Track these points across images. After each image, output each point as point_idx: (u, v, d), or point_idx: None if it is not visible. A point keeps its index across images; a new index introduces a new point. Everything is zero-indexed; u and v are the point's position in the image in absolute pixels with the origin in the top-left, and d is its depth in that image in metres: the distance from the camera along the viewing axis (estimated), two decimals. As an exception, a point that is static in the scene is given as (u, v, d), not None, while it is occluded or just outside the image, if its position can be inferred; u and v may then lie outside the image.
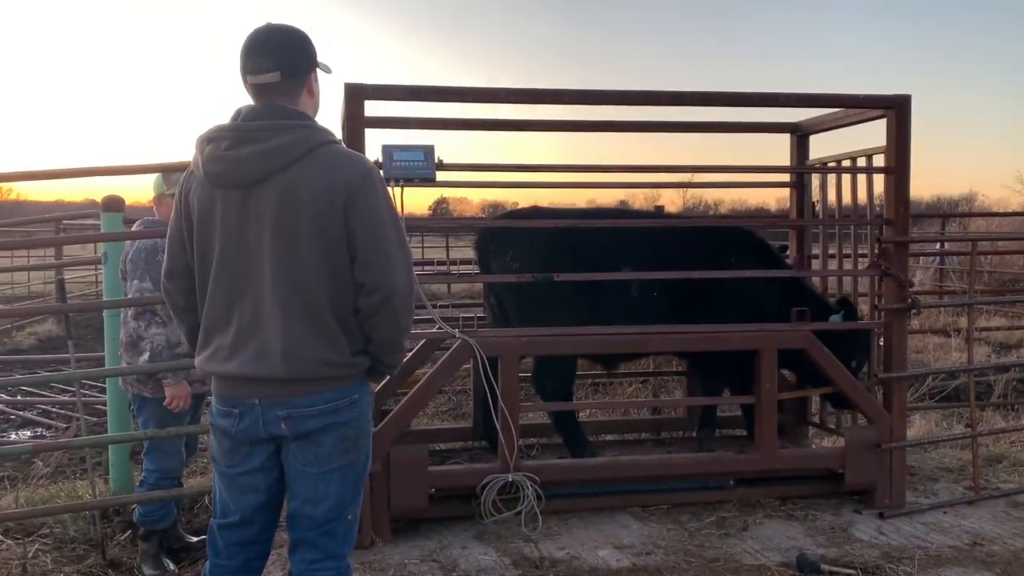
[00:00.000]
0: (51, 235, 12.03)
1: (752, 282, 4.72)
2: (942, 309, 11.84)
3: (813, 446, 5.37)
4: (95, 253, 11.81)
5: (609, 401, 6.91)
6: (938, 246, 11.98)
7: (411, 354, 4.93)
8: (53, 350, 10.91)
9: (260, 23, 2.40)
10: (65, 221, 12.31)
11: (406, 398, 4.29)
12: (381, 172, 3.95)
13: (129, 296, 3.79)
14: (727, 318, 4.63)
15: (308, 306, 2.32)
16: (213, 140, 2.33)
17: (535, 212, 5.12)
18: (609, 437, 5.72)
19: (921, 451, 5.63)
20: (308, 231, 2.29)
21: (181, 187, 2.45)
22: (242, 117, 2.35)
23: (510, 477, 4.16)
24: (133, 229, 3.96)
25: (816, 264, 5.40)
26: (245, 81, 2.38)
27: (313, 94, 2.48)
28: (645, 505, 4.50)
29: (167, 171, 3.92)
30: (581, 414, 6.18)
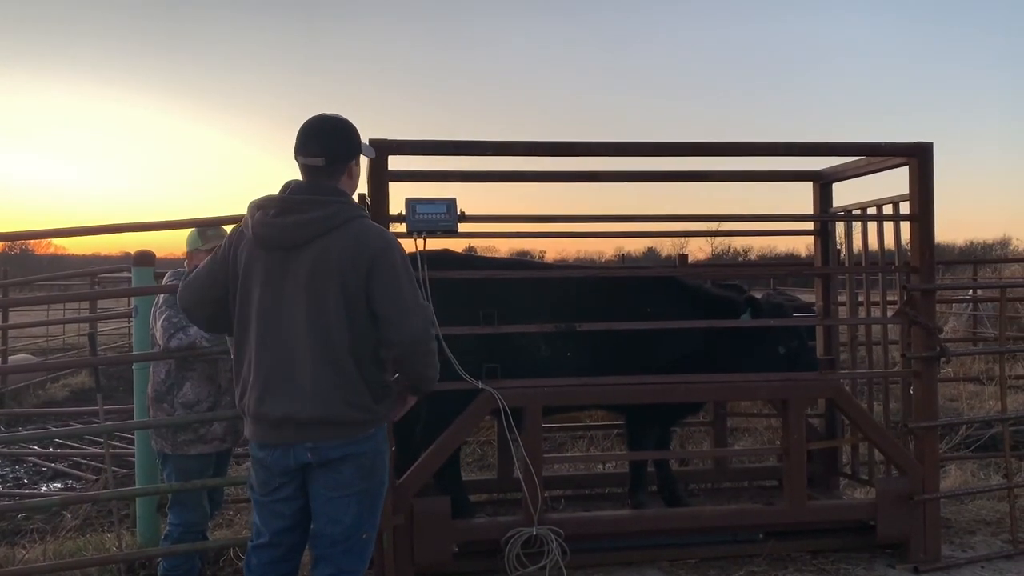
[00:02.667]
0: (87, 288, 12.25)
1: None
2: (976, 356, 11.59)
3: (844, 497, 5.26)
4: (128, 306, 12.01)
5: (635, 453, 6.82)
6: (970, 293, 11.80)
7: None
8: (86, 402, 11.01)
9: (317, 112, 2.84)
10: (101, 275, 12.53)
11: (430, 449, 4.29)
12: (404, 225, 4.07)
13: (156, 328, 3.81)
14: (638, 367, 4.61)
15: (333, 355, 2.66)
16: (262, 208, 2.71)
17: (453, 257, 4.94)
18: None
19: (957, 503, 5.48)
20: (335, 291, 2.64)
21: (230, 239, 2.83)
22: (289, 191, 2.74)
23: (534, 531, 4.11)
24: (164, 283, 4.03)
25: (843, 312, 5.35)
26: (297, 159, 2.79)
27: (352, 176, 2.87)
28: (673, 559, 4.42)
29: (202, 227, 4.00)
30: (607, 465, 6.13)
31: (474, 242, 5.18)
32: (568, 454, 6.55)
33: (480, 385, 4.17)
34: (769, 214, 4.87)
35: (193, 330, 3.69)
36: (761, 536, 4.54)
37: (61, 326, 16.09)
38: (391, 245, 2.75)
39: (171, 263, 5.26)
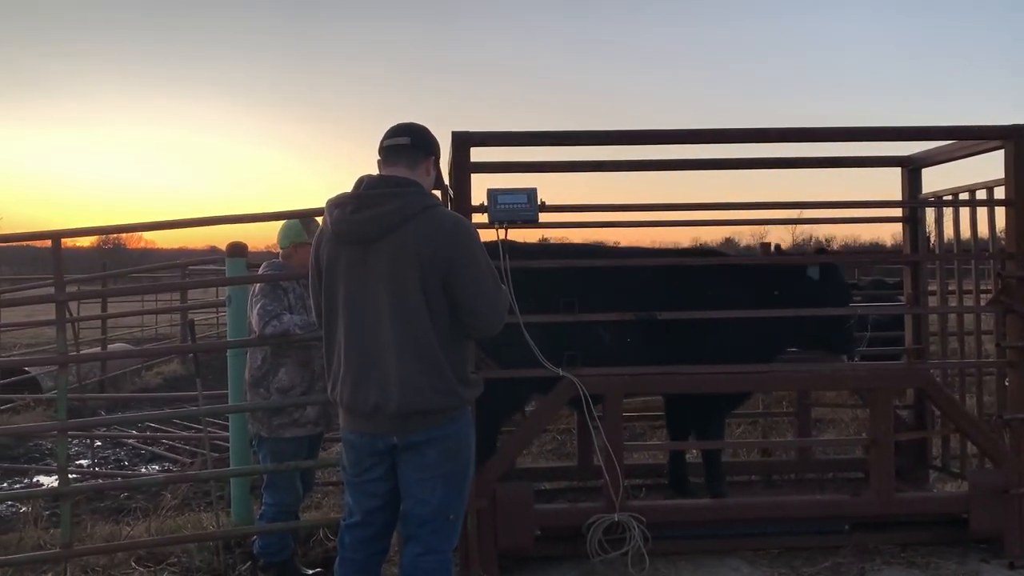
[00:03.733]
0: (177, 280, 12.74)
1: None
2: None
3: (934, 490, 5.13)
4: (216, 296, 12.46)
5: (717, 443, 6.77)
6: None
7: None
8: (178, 388, 11.52)
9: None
10: (190, 267, 13.03)
11: (511, 436, 4.35)
12: (486, 215, 4.13)
13: (252, 316, 3.93)
14: (709, 356, 4.52)
15: (417, 344, 2.74)
16: (339, 205, 2.80)
17: (542, 248, 5.03)
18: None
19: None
20: (416, 280, 2.72)
21: (315, 242, 2.94)
22: (363, 187, 2.81)
23: (616, 517, 4.14)
24: (260, 272, 4.18)
25: (933, 302, 5.21)
26: (380, 149, 2.90)
27: (429, 175, 2.94)
28: (756, 549, 4.39)
29: (305, 220, 4.08)
30: (688, 455, 6.10)
31: (547, 231, 5.14)
32: (647, 443, 6.53)
33: (560, 372, 4.21)
34: (856, 200, 4.76)
35: (287, 318, 3.83)
36: (847, 528, 4.46)
37: (154, 316, 16.82)
38: (469, 233, 2.82)
39: (261, 255, 5.43)
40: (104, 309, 11.97)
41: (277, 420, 3.95)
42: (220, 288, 11.68)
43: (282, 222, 4.19)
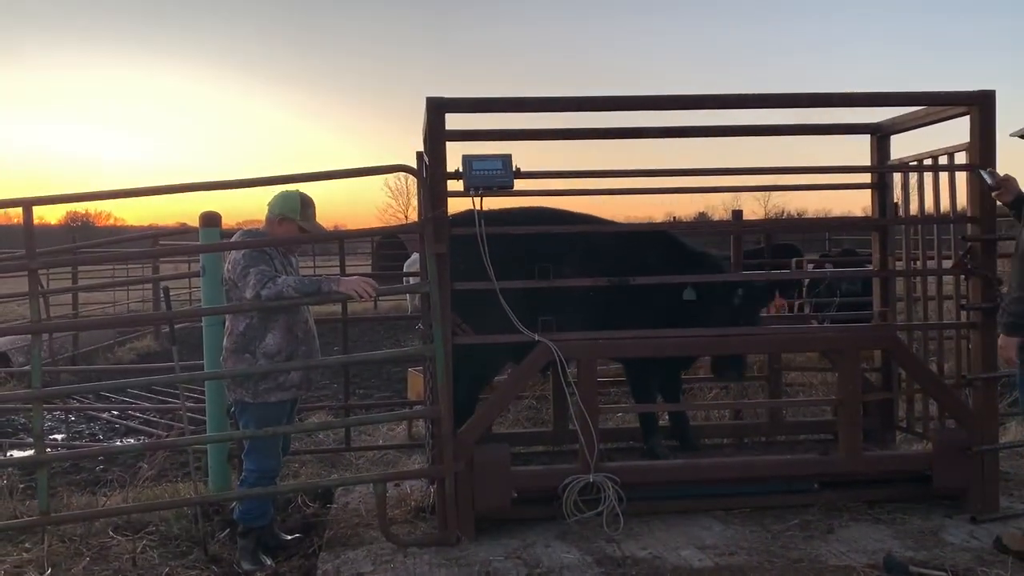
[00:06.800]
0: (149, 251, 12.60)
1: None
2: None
3: (900, 450, 5.27)
4: (188, 269, 12.35)
5: (690, 404, 6.89)
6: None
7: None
8: (151, 364, 11.45)
9: None
10: (161, 241, 12.90)
11: (488, 401, 4.40)
12: (460, 182, 4.16)
13: (250, 281, 3.85)
14: (655, 321, 4.69)
15: None
16: None
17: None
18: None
19: (1019, 458, 5.45)
20: None
21: None
22: None
23: (591, 478, 4.22)
24: (233, 239, 4.15)
25: (901, 267, 5.31)
26: None
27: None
28: (727, 508, 4.50)
29: (305, 203, 4.10)
30: (662, 417, 6.20)
31: (523, 199, 5.12)
32: (621, 405, 6.63)
33: (537, 337, 4.26)
34: (824, 166, 4.82)
35: (281, 280, 3.81)
36: (816, 486, 4.58)
37: (124, 293, 16.66)
38: None
39: (233, 231, 5.37)
40: (75, 282, 11.84)
41: (263, 385, 3.96)
42: (191, 262, 11.59)
43: (279, 189, 4.12)
